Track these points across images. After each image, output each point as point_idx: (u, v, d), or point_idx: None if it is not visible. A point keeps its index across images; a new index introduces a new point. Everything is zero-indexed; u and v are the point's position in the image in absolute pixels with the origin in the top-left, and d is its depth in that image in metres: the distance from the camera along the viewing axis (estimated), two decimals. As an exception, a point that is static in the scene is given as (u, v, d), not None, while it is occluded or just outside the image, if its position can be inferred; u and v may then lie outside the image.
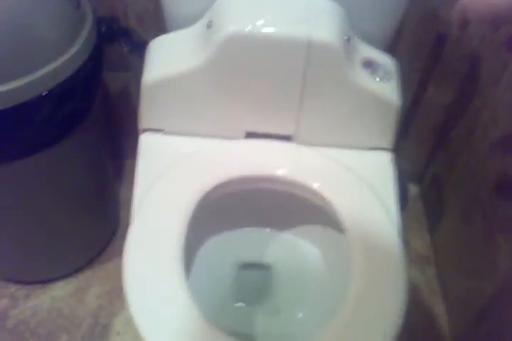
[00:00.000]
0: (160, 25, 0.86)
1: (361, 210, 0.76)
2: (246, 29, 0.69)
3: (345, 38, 0.74)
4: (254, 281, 0.91)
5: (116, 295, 1.10)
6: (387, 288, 0.68)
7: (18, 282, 1.11)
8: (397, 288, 0.67)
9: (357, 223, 0.73)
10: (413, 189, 1.33)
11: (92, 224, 1.09)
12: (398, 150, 0.86)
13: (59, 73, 0.75)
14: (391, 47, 0.86)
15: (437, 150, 1.23)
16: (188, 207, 0.72)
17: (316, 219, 0.85)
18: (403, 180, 0.92)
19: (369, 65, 0.79)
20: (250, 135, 0.83)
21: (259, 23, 0.70)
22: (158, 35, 0.82)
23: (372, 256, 0.70)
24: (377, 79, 0.78)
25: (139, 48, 0.86)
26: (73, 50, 0.76)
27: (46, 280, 1.12)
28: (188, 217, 0.71)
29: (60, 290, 1.11)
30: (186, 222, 0.71)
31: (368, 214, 0.75)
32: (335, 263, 0.84)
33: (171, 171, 0.77)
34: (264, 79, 0.75)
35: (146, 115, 0.81)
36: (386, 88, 0.79)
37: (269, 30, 0.70)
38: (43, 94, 0.74)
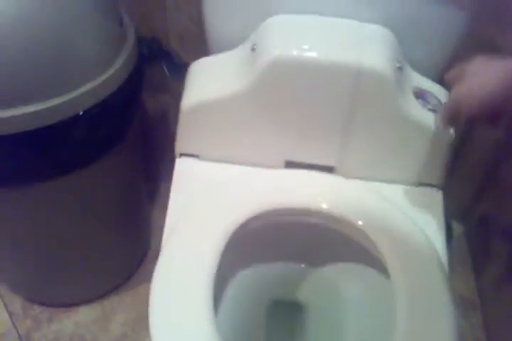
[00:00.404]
0: (202, 48, 0.84)
1: (408, 252, 0.70)
2: (292, 53, 0.66)
3: (397, 65, 0.70)
4: (286, 320, 0.86)
5: (141, 323, 1.06)
6: (435, 336, 0.62)
7: (42, 304, 1.10)
8: (446, 336, 0.61)
9: (403, 266, 0.68)
10: (457, 227, 1.26)
11: (121, 247, 1.06)
12: (445, 184, 0.81)
13: (97, 93, 0.73)
14: (443, 78, 0.82)
15: (486, 187, 1.17)
16: (221, 238, 0.68)
17: (356, 257, 0.80)
18: (447, 216, 0.87)
19: (421, 95, 0.74)
20: (289, 164, 0.79)
21: (306, 47, 0.67)
22: (199, 58, 0.80)
23: (419, 302, 0.64)
24: (429, 110, 0.74)
25: (180, 70, 0.84)
26: (113, 69, 0.74)
27: (71, 304, 1.09)
28: (219, 249, 0.67)
29: (84, 316, 1.08)
30: (218, 254, 0.66)
31: (416, 257, 0.70)
32: (376, 307, 0.78)
33: (205, 199, 0.73)
34: (309, 106, 0.71)
35: (183, 139, 0.78)
36: (438, 120, 0.74)
37: (316, 54, 0.67)
38: (80, 113, 0.72)
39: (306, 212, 0.74)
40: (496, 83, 0.50)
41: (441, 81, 0.79)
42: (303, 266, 0.87)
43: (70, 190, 0.82)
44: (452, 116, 0.57)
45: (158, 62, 0.87)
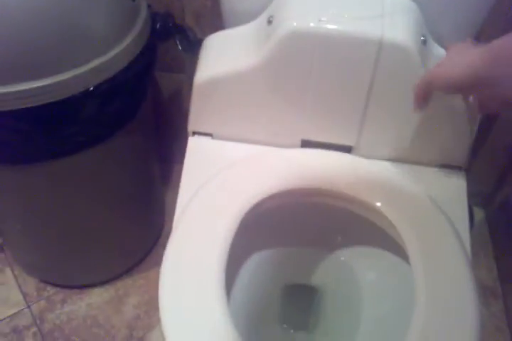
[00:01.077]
0: (217, 24, 0.81)
1: (429, 236, 0.67)
2: (310, 24, 0.63)
3: (422, 39, 0.66)
4: (301, 304, 0.84)
5: (154, 305, 1.06)
6: (455, 325, 0.59)
7: (55, 285, 1.09)
8: (467, 326, 0.58)
9: (423, 250, 0.65)
10: (478, 213, 1.22)
11: (134, 229, 1.05)
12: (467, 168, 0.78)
13: (108, 68, 0.70)
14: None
15: (509, 171, 1.13)
16: (234, 219, 0.65)
17: (374, 240, 0.77)
18: (468, 202, 0.84)
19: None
20: (306, 143, 0.76)
21: (325, 18, 0.63)
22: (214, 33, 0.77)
23: (439, 288, 0.61)
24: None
25: (194, 47, 0.81)
26: (124, 44, 0.72)
27: (84, 286, 1.09)
28: (232, 231, 0.64)
29: (97, 297, 1.08)
30: (231, 235, 0.64)
31: (437, 241, 0.67)
32: (394, 291, 0.76)
33: (218, 179, 0.70)
34: (327, 82, 0.68)
35: (196, 117, 0.76)
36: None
37: (335, 26, 0.63)
38: (90, 89, 0.69)
39: (323, 193, 0.71)
40: (468, 63, 0.53)
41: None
42: (319, 249, 0.84)
43: (81, 168, 0.81)
44: (422, 94, 0.61)
45: (172, 38, 0.84)
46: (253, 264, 0.80)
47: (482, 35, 0.84)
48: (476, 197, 1.20)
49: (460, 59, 0.55)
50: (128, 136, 0.82)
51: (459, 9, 0.70)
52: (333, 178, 0.72)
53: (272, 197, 0.69)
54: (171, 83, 1.07)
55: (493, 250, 1.17)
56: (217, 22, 0.82)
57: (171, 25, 0.83)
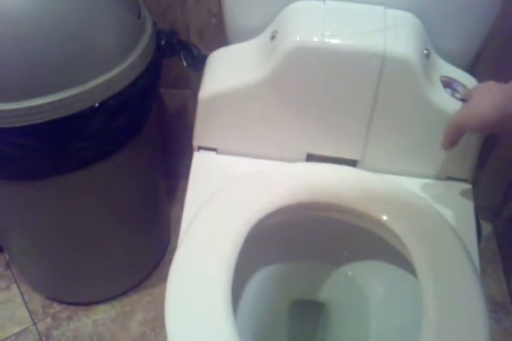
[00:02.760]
0: (222, 40, 0.82)
1: (436, 250, 0.66)
2: (313, 39, 0.63)
3: (424, 53, 0.66)
4: (308, 320, 0.83)
5: (161, 322, 1.05)
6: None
7: (61, 302, 1.09)
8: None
9: (431, 264, 0.64)
10: (486, 226, 1.21)
11: (140, 245, 1.05)
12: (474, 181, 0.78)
13: (113, 84, 0.71)
14: (472, 69, 0.78)
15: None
16: (239, 235, 0.65)
17: (381, 254, 0.76)
18: (476, 216, 0.83)
19: (449, 84, 0.71)
20: (311, 158, 0.76)
21: (328, 32, 0.64)
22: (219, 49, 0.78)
23: (447, 303, 0.61)
24: (458, 99, 0.70)
25: (199, 63, 0.82)
26: (129, 61, 0.72)
27: (90, 302, 1.09)
28: (238, 246, 0.64)
29: (102, 314, 1.07)
30: (237, 251, 0.64)
31: (445, 255, 0.66)
32: (402, 306, 0.75)
33: (223, 193, 0.70)
34: (332, 96, 0.68)
35: (201, 132, 0.76)
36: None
37: (338, 41, 0.64)
38: (95, 105, 0.70)
39: (329, 207, 0.71)
40: (496, 102, 0.56)
41: (470, 70, 0.76)
42: (326, 263, 0.84)
43: (87, 184, 0.81)
44: (454, 135, 0.62)
45: (177, 54, 0.84)
46: (260, 279, 0.80)
47: (485, 48, 0.84)
48: (483, 211, 1.19)
49: (489, 99, 0.57)
50: (134, 151, 0.82)
51: (462, 22, 0.71)
52: (339, 192, 0.71)
53: (277, 212, 0.69)
54: (176, 99, 1.08)
55: (502, 264, 1.15)
56: (221, 38, 0.83)
57: (175, 41, 0.84)
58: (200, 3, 0.91)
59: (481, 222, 1.17)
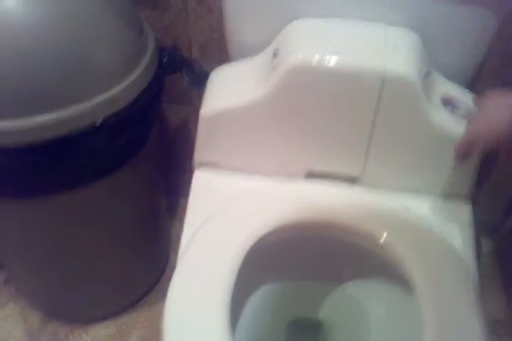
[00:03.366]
0: (224, 57, 0.82)
1: (435, 269, 0.66)
2: (315, 58, 0.64)
3: (424, 71, 0.67)
4: (307, 338, 0.82)
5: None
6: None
7: (60, 319, 1.08)
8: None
9: (430, 283, 0.64)
10: (485, 243, 1.21)
11: (139, 262, 1.04)
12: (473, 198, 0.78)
13: (115, 102, 0.71)
14: (472, 85, 0.79)
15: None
16: (238, 254, 0.65)
17: (380, 273, 0.76)
18: (476, 232, 0.83)
19: (448, 102, 0.71)
20: (311, 174, 0.77)
21: (329, 52, 0.64)
22: (222, 65, 0.79)
23: (446, 323, 0.60)
24: (458, 118, 0.71)
25: (201, 80, 0.83)
26: (131, 78, 0.73)
27: (88, 320, 1.07)
28: (236, 266, 0.64)
29: (100, 332, 1.06)
30: (235, 270, 0.64)
31: (444, 274, 0.66)
32: (401, 326, 0.74)
33: (223, 212, 0.70)
34: (332, 114, 0.69)
35: (202, 149, 0.76)
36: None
37: (339, 60, 0.64)
38: (97, 123, 0.70)
39: (328, 226, 0.71)
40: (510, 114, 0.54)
41: (470, 87, 0.77)
42: (325, 282, 0.83)
43: (88, 201, 0.81)
44: (467, 151, 0.59)
45: (179, 71, 0.85)
46: (259, 298, 0.79)
47: (484, 64, 0.85)
48: (483, 227, 1.18)
49: (503, 111, 0.55)
50: (134, 168, 0.82)
51: (461, 39, 0.72)
52: (339, 211, 0.71)
53: (276, 232, 0.69)
54: (178, 115, 1.08)
55: (502, 282, 1.15)
56: (223, 54, 0.83)
57: (177, 58, 0.84)
58: (202, 18, 0.92)
59: (481, 238, 1.18)
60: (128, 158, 0.80)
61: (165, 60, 0.82)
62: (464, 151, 0.60)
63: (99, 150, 0.74)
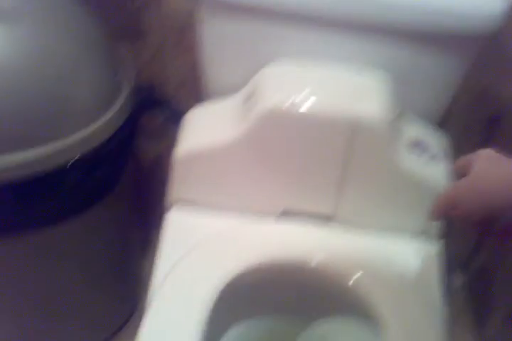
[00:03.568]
0: (200, 94, 0.84)
1: (404, 308, 0.67)
2: (287, 103, 0.66)
3: (392, 116, 0.69)
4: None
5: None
6: None
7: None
8: None
9: (399, 322, 0.65)
10: (458, 277, 1.23)
11: (110, 301, 1.03)
12: (443, 233, 0.79)
13: (89, 140, 0.72)
14: (441, 127, 0.81)
15: (486, 236, 1.15)
16: (209, 296, 0.65)
17: (351, 312, 0.76)
18: (447, 267, 0.84)
19: (417, 145, 0.74)
20: (285, 213, 0.78)
21: (302, 96, 0.66)
22: (197, 104, 0.80)
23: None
24: (425, 160, 0.73)
25: (176, 119, 0.84)
26: (107, 117, 0.74)
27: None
28: (207, 308, 0.64)
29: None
30: (206, 312, 0.64)
31: (413, 313, 0.67)
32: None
33: (195, 253, 0.71)
34: (304, 156, 0.70)
35: (175, 188, 0.77)
36: (434, 171, 0.73)
37: (311, 105, 0.66)
38: (72, 161, 0.70)
39: (300, 267, 0.72)
40: (501, 189, 0.48)
41: (439, 127, 0.79)
42: (297, 321, 0.83)
43: (59, 240, 0.80)
44: (445, 211, 0.54)
45: (155, 109, 0.86)
46: (231, 337, 0.79)
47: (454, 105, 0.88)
48: (455, 262, 1.20)
49: (496, 173, 0.50)
50: (107, 207, 0.82)
51: (431, 82, 0.75)
52: (310, 251, 0.72)
53: (249, 273, 0.69)
54: (153, 150, 1.09)
55: (474, 315, 1.16)
56: (200, 93, 0.85)
57: (153, 97, 0.86)
58: (179, 58, 0.94)
59: (454, 272, 1.19)
60: (101, 196, 0.80)
61: (141, 98, 0.83)
62: (442, 214, 0.54)
63: (73, 188, 0.74)
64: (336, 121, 0.66)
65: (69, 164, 0.70)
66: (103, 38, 0.77)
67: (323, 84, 0.69)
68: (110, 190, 0.81)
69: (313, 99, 0.66)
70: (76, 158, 0.71)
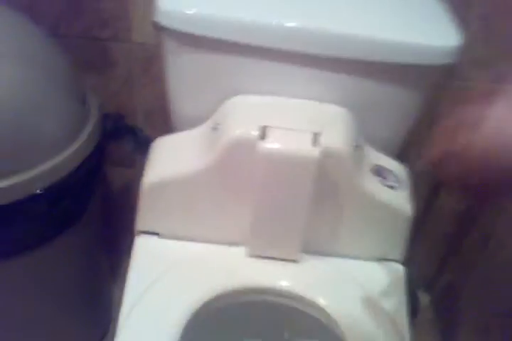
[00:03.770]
0: (168, 122, 0.85)
1: (369, 330, 0.69)
2: (252, 135, 0.67)
3: (355, 145, 0.72)
4: None
5: None
6: None
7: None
8: None
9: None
10: (424, 297, 1.25)
11: (78, 329, 1.02)
12: (408, 256, 0.81)
13: (56, 171, 0.72)
14: (402, 153, 0.84)
15: (450, 257, 1.18)
16: (179, 323, 0.66)
17: (318, 335, 0.78)
18: (413, 287, 0.86)
19: (379, 172, 0.76)
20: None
21: (266, 129, 0.68)
22: (165, 132, 0.81)
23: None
24: (388, 187, 0.75)
25: (144, 147, 0.84)
26: (74, 147, 0.74)
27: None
28: (177, 335, 0.65)
29: None
30: (176, 339, 0.64)
31: (377, 335, 0.69)
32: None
33: (164, 280, 0.71)
34: (271, 185, 0.71)
35: (143, 217, 0.77)
36: (397, 197, 0.76)
37: (275, 137, 0.67)
38: (38, 192, 0.71)
39: (267, 292, 0.73)
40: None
41: (398, 157, 0.82)
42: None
43: (26, 269, 0.80)
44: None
45: (122, 138, 0.87)
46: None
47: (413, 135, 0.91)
48: (420, 282, 1.23)
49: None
50: (75, 235, 0.82)
51: (389, 115, 0.77)
52: (277, 277, 0.74)
53: (215, 299, 0.70)
54: (121, 177, 1.09)
55: (439, 335, 1.18)
56: (168, 122, 0.86)
57: (121, 126, 0.87)
58: (147, 87, 0.95)
59: (419, 293, 1.22)
60: (69, 224, 0.80)
61: (109, 127, 0.84)
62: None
63: (40, 217, 0.74)
64: (300, 151, 0.67)
65: (36, 194, 0.71)
66: (69, 69, 0.78)
67: (288, 116, 0.71)
68: (78, 218, 0.81)
69: (278, 130, 0.68)
70: (43, 188, 0.71)
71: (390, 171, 0.77)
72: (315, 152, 0.66)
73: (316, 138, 0.68)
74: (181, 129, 0.80)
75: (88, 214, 0.83)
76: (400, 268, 0.79)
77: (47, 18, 0.88)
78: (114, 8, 0.87)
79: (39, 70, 0.72)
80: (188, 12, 0.68)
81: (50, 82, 0.73)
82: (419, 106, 0.77)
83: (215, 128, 0.72)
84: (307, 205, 0.71)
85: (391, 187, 0.76)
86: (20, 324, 0.89)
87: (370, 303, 0.73)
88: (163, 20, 0.69)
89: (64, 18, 0.88)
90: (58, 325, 0.95)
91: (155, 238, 0.78)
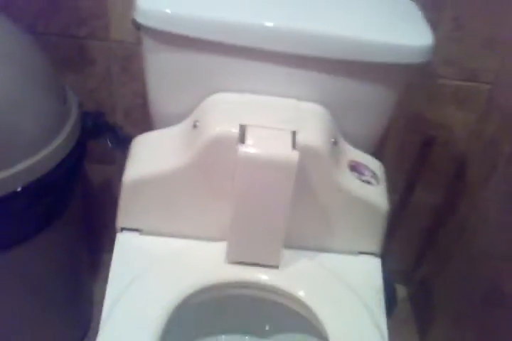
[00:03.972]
0: (147, 122, 0.86)
1: (347, 322, 0.71)
2: (231, 132, 0.68)
3: (332, 140, 0.73)
4: None
5: None
6: None
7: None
8: None
9: (343, 335, 0.68)
10: (401, 290, 1.28)
11: (59, 326, 1.02)
12: (385, 250, 0.83)
13: (36, 168, 0.72)
14: (378, 149, 0.86)
15: (426, 251, 1.20)
16: (161, 318, 0.67)
17: (298, 328, 0.80)
18: (391, 280, 0.88)
19: (356, 168, 0.78)
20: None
21: (244, 126, 0.69)
22: (145, 130, 0.81)
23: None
24: (364, 182, 0.77)
25: (124, 145, 0.85)
26: (54, 145, 0.74)
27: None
28: (159, 330, 0.65)
29: None
30: (158, 334, 0.65)
31: (355, 326, 0.71)
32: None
33: (146, 276, 0.72)
34: (250, 183, 0.72)
35: (124, 214, 0.78)
36: (373, 191, 0.77)
37: (254, 134, 0.68)
38: (18, 190, 0.71)
39: (248, 285, 0.74)
40: None
41: (374, 154, 0.84)
42: (248, 337, 0.86)
43: (7, 266, 0.79)
44: None
45: (102, 136, 0.87)
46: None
47: (390, 129, 0.93)
48: (398, 275, 1.25)
49: None
50: (56, 232, 0.82)
51: (365, 112, 0.79)
52: (257, 271, 0.75)
53: (198, 293, 0.71)
54: (101, 174, 1.09)
55: (416, 327, 1.21)
56: (147, 119, 0.87)
57: (101, 123, 0.87)
58: (126, 84, 0.96)
59: (396, 285, 1.24)
60: (50, 222, 0.80)
61: (88, 125, 0.84)
62: None
63: (20, 215, 0.74)
64: (280, 156, 0.67)
65: (16, 192, 0.71)
66: (47, 67, 0.78)
67: (265, 113, 0.72)
68: (59, 215, 0.81)
69: (256, 127, 0.69)
70: (23, 186, 0.71)
71: (366, 167, 0.79)
72: (295, 156, 0.67)
73: (294, 137, 0.69)
74: (161, 127, 0.81)
75: (69, 211, 0.83)
76: (377, 262, 0.81)
77: (25, 16, 0.87)
78: (92, 7, 0.87)
79: (17, 68, 0.72)
80: (166, 11, 0.69)
81: (28, 80, 0.73)
82: (394, 103, 0.79)
83: (194, 126, 0.73)
84: (287, 210, 0.71)
85: (368, 182, 0.77)
86: (1, 320, 0.89)
87: (348, 296, 0.74)
88: (142, 19, 0.70)
89: (42, 16, 0.88)
90: (39, 323, 0.95)
91: (136, 234, 0.79)
